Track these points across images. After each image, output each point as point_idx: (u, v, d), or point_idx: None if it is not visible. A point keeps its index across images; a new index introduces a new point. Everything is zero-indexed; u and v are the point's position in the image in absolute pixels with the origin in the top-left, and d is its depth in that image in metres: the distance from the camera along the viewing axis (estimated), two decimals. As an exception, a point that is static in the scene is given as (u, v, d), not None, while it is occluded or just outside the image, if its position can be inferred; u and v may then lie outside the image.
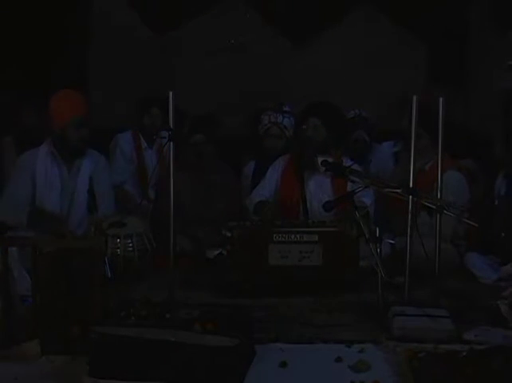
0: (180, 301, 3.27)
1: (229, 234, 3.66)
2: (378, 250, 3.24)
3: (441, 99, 3.48)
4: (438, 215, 3.48)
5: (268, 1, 6.61)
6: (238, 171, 5.12)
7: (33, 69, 5.76)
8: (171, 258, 3.40)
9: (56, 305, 2.80)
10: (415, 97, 3.39)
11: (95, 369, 2.54)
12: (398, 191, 3.36)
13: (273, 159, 4.63)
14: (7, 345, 2.78)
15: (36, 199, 4.10)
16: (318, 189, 4.31)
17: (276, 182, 4.45)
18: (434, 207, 3.36)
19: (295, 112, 5.00)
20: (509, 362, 2.56)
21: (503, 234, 3.99)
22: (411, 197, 3.35)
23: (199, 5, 6.58)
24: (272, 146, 4.91)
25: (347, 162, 4.27)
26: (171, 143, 3.41)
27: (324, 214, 3.82)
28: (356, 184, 3.54)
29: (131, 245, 3.95)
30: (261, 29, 6.60)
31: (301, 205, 4.31)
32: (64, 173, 4.16)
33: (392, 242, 4.00)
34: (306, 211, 4.29)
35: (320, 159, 3.91)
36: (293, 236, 3.64)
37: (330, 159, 3.86)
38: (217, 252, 3.87)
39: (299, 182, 4.34)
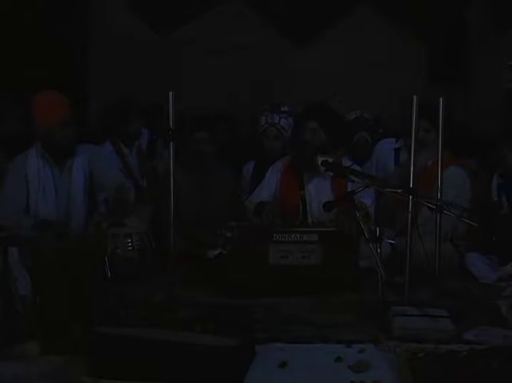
0: (180, 301, 3.27)
1: (229, 235, 3.66)
2: (378, 250, 3.24)
3: (441, 99, 3.48)
4: (438, 215, 3.48)
5: (268, 1, 6.61)
6: (239, 171, 5.10)
7: (31, 72, 5.75)
8: (171, 258, 3.39)
9: (56, 305, 2.80)
10: (415, 97, 3.39)
11: (95, 368, 2.54)
12: (398, 191, 3.36)
13: (272, 159, 4.60)
14: (7, 345, 2.78)
15: (30, 202, 4.05)
16: (318, 191, 4.29)
17: (276, 183, 4.43)
18: (433, 206, 3.36)
19: (296, 113, 4.97)
20: (509, 362, 2.56)
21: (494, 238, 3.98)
22: (411, 197, 3.35)
23: (200, 5, 6.58)
24: (270, 147, 4.84)
25: (347, 162, 4.27)
26: (172, 143, 3.41)
27: (324, 215, 3.82)
28: (356, 184, 3.54)
29: (131, 245, 3.94)
30: (261, 30, 6.60)
31: (301, 207, 4.30)
32: (56, 174, 4.11)
33: (392, 242, 4.00)
34: (306, 212, 4.29)
35: (320, 160, 3.90)
36: (292, 236, 3.64)
37: (330, 160, 3.86)
38: (217, 252, 3.87)
39: (299, 183, 4.33)
